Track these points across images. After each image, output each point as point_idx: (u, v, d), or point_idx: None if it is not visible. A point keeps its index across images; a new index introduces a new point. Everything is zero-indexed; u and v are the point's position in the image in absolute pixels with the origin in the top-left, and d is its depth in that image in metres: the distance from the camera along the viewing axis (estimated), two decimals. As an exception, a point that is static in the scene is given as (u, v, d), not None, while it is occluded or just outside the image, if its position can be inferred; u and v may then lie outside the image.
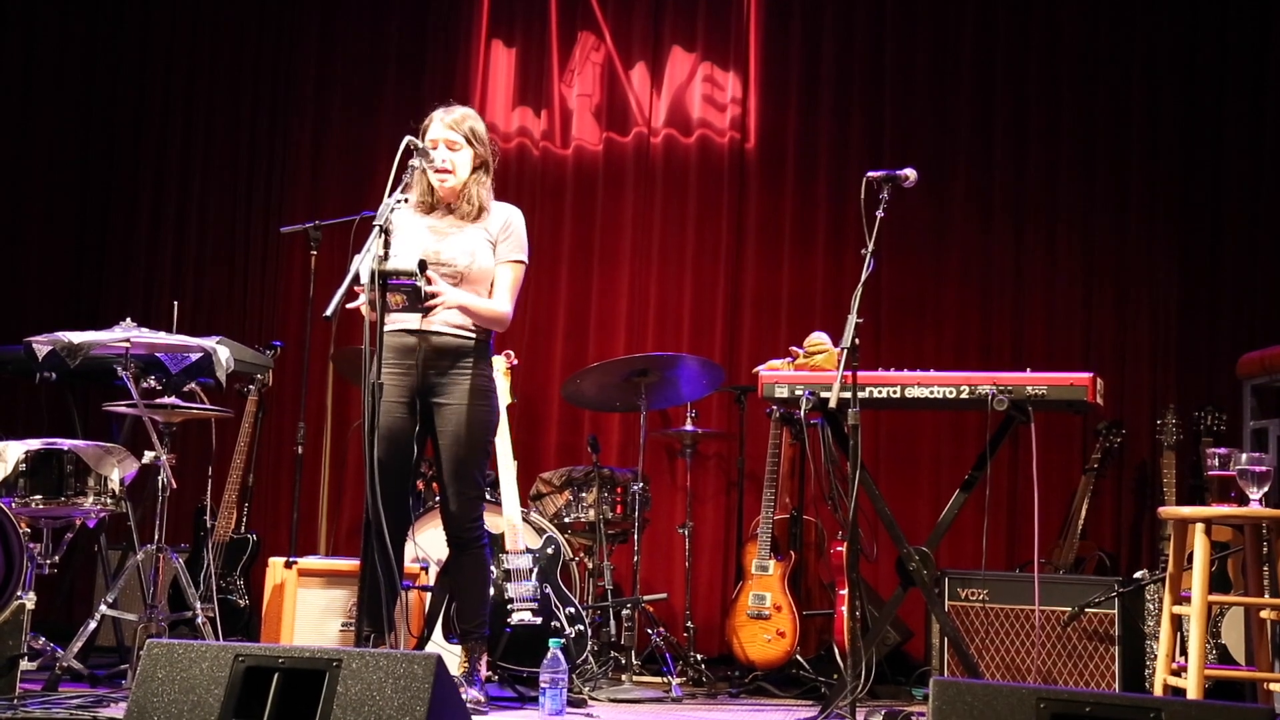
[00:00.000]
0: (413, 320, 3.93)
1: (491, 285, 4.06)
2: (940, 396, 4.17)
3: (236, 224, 6.53)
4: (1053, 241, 5.76)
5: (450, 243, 4.01)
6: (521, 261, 4.13)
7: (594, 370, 5.18)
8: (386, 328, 3.94)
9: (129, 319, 4.29)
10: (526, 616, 4.42)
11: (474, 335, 4.02)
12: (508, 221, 4.11)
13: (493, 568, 4.39)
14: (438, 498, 5.05)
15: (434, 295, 3.78)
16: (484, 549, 4.10)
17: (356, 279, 3.57)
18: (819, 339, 4.47)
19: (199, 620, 4.38)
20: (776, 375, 4.34)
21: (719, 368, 5.31)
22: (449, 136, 4.03)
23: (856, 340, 3.73)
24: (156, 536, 4.32)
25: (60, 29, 6.67)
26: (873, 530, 5.20)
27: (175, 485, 4.37)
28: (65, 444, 4.34)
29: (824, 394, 3.93)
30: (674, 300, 6.07)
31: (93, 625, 4.35)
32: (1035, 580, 4.27)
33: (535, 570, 4.49)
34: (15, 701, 3.83)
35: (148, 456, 4.35)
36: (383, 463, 3.63)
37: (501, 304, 4.05)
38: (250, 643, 3.56)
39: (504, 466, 4.62)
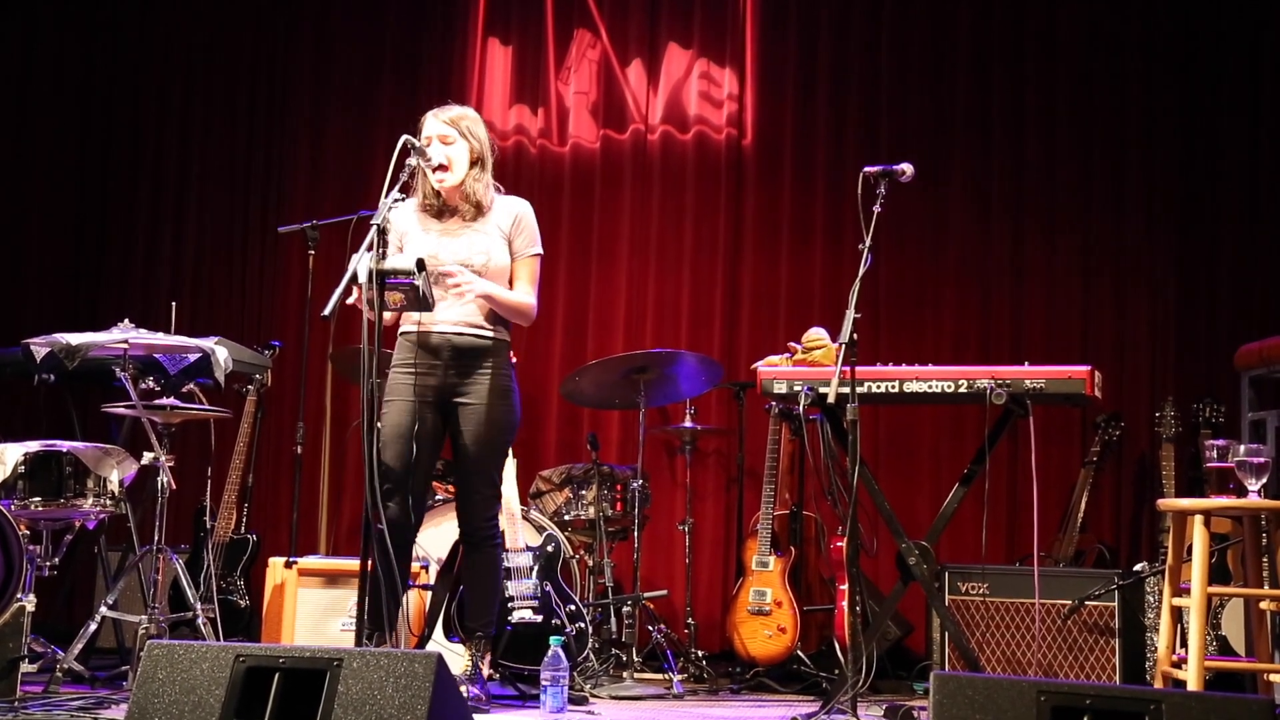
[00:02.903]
0: (436, 320, 3.94)
1: (510, 282, 4.07)
2: (939, 391, 4.17)
3: (234, 224, 6.53)
4: (1050, 235, 5.76)
5: (464, 241, 4.01)
6: (539, 254, 4.15)
7: (593, 368, 5.18)
8: (407, 327, 3.98)
9: (127, 320, 4.29)
10: (527, 614, 4.41)
11: (494, 335, 4.03)
12: (518, 216, 4.11)
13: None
14: (438, 497, 5.08)
15: (458, 284, 3.85)
16: (497, 548, 4.11)
17: (354, 278, 3.58)
18: (817, 334, 4.47)
19: (199, 621, 4.39)
20: (775, 371, 4.34)
21: (718, 364, 5.31)
22: (442, 131, 4.02)
23: (855, 335, 3.73)
24: (156, 537, 4.32)
25: (58, 30, 6.66)
26: (873, 525, 5.20)
27: (175, 486, 4.37)
28: (64, 446, 4.34)
29: (823, 389, 3.93)
30: (672, 297, 6.07)
31: (93, 627, 4.36)
32: (1035, 573, 4.27)
33: (536, 568, 4.49)
34: (16, 704, 3.83)
35: (147, 458, 4.34)
36: (406, 465, 3.78)
37: (526, 295, 4.07)
38: (251, 643, 3.57)
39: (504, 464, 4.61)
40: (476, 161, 4.06)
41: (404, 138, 3.79)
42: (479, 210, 4.06)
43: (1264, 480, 3.70)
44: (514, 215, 4.10)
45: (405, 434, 3.93)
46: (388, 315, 3.88)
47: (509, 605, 4.42)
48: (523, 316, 4.08)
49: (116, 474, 4.39)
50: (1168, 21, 5.71)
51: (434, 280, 3.85)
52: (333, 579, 4.67)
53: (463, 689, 3.80)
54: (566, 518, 5.12)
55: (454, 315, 3.97)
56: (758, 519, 5.17)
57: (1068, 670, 4.41)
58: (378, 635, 3.70)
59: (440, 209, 4.06)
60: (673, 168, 6.14)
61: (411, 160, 3.85)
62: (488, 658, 4.16)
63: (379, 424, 3.68)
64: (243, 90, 6.59)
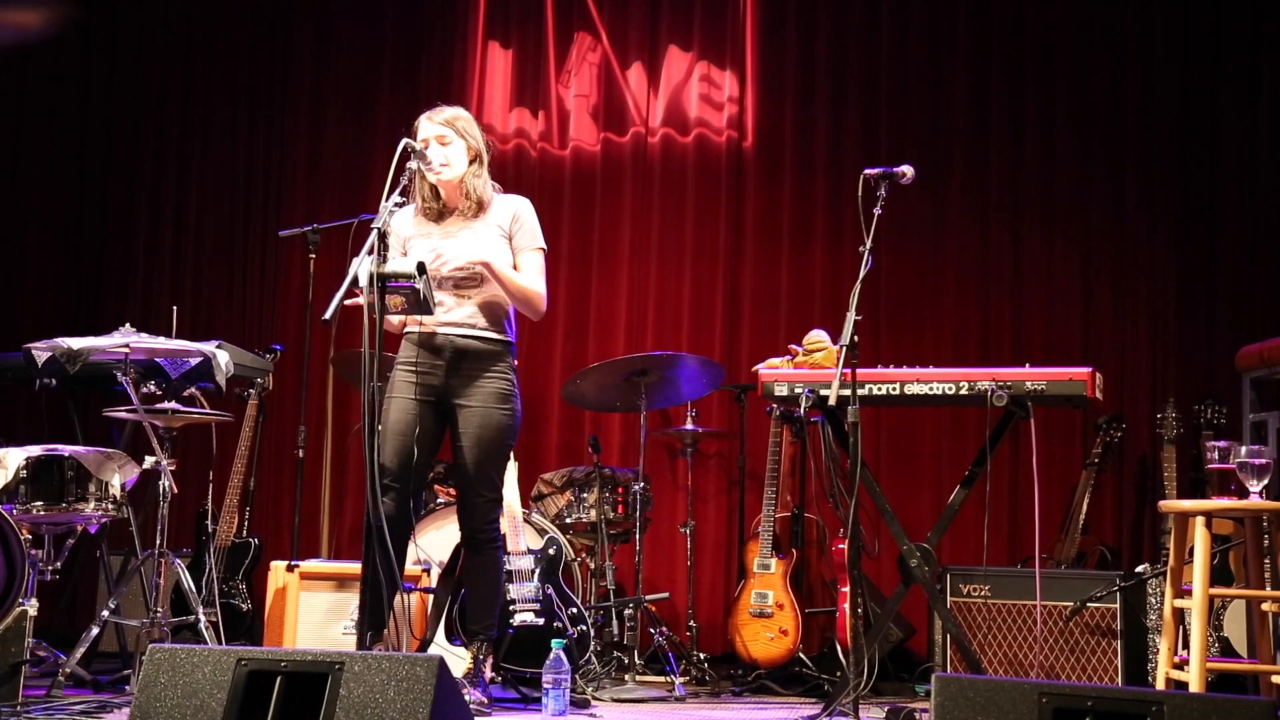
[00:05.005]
0: (440, 321, 3.95)
1: None
2: (939, 393, 4.17)
3: (235, 228, 6.53)
4: (1050, 236, 5.76)
5: (464, 240, 4.01)
6: (542, 249, 4.14)
7: (594, 370, 5.18)
8: (412, 328, 3.99)
9: (128, 324, 4.30)
10: (529, 617, 4.42)
11: (497, 338, 4.04)
12: (517, 213, 4.12)
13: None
14: (439, 500, 5.08)
15: (468, 272, 3.90)
16: (498, 551, 4.12)
17: (355, 282, 3.59)
18: (818, 336, 4.47)
19: (201, 625, 4.38)
20: (776, 373, 4.34)
21: (719, 366, 5.31)
22: (438, 132, 4.04)
23: (855, 337, 3.73)
24: (158, 541, 4.32)
25: (55, 35, 6.66)
26: (874, 527, 5.20)
27: (176, 490, 4.37)
28: (66, 450, 4.34)
29: (823, 391, 3.93)
30: (673, 299, 6.07)
31: (95, 631, 4.36)
32: (1037, 575, 4.27)
33: (537, 571, 4.49)
34: (18, 708, 3.83)
35: (148, 462, 4.34)
36: (404, 462, 3.76)
37: (534, 282, 4.06)
38: (253, 646, 3.57)
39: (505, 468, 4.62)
40: (474, 159, 4.08)
41: (404, 141, 3.80)
42: (480, 207, 4.07)
43: (1265, 481, 3.70)
44: (513, 212, 4.11)
45: (405, 431, 3.94)
46: (396, 319, 3.90)
47: (511, 608, 4.42)
48: (531, 304, 4.06)
49: (118, 478, 4.39)
50: (1166, 22, 5.71)
51: (437, 284, 3.86)
52: (334, 582, 4.67)
53: (465, 692, 3.80)
54: (568, 520, 5.12)
55: (458, 317, 3.99)
56: (759, 521, 5.17)
57: (1069, 672, 4.41)
58: (371, 635, 3.71)
59: (440, 211, 4.08)
60: (673, 170, 6.14)
61: (411, 164, 3.85)
62: (490, 660, 4.16)
63: (379, 424, 3.68)
64: (242, 94, 6.59)
